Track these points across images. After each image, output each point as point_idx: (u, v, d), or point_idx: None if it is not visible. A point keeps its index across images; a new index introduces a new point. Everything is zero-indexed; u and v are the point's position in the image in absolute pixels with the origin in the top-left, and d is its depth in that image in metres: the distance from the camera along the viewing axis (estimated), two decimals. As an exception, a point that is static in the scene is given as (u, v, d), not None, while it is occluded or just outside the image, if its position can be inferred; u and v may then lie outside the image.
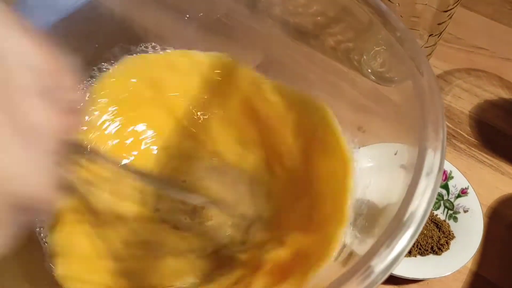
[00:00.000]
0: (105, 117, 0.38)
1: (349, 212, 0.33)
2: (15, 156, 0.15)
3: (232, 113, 0.40)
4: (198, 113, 0.41)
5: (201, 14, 0.43)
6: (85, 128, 0.37)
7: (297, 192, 0.36)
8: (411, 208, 0.23)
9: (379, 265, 0.21)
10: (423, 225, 0.23)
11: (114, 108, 0.39)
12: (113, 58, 0.40)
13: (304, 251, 0.32)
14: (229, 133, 0.40)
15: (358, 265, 0.21)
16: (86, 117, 0.37)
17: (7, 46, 0.15)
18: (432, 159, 0.24)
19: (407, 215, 0.22)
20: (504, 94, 0.50)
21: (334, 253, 0.30)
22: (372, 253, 0.21)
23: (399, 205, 0.23)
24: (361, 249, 0.29)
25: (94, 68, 0.39)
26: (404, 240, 0.22)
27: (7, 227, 0.16)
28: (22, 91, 0.15)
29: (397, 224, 0.22)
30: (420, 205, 0.23)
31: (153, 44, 0.41)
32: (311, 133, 0.37)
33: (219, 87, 0.41)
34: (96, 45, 0.39)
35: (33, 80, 0.16)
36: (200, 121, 0.41)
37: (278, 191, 0.38)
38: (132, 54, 0.40)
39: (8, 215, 0.15)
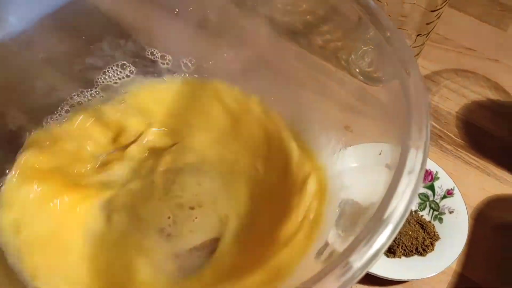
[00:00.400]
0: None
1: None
2: None
3: (214, 120, 0.40)
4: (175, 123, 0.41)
5: (191, 8, 0.42)
6: None
7: (272, 197, 0.36)
8: (391, 206, 0.23)
9: (358, 261, 0.21)
10: (402, 223, 0.23)
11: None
12: (101, 53, 0.39)
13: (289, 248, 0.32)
14: (209, 136, 0.40)
15: (336, 261, 0.21)
16: None
17: None
18: (414, 158, 0.25)
19: (387, 213, 0.22)
20: (491, 95, 0.50)
21: (311, 251, 0.30)
22: (350, 249, 0.21)
23: (379, 203, 0.24)
24: (342, 247, 0.29)
25: (81, 62, 0.39)
26: (383, 237, 0.22)
27: None
28: None
29: (377, 222, 0.22)
30: (400, 203, 0.23)
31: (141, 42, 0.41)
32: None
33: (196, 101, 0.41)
34: (83, 38, 0.39)
35: None
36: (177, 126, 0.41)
37: (255, 194, 0.37)
38: (120, 49, 0.40)
39: None
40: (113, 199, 0.36)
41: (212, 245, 0.35)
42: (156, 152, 0.39)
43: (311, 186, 0.35)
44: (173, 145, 0.40)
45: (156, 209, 0.36)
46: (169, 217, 0.36)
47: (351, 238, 0.27)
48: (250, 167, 0.38)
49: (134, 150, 0.39)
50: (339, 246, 0.30)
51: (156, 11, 0.42)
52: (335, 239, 0.31)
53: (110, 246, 0.34)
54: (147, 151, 0.39)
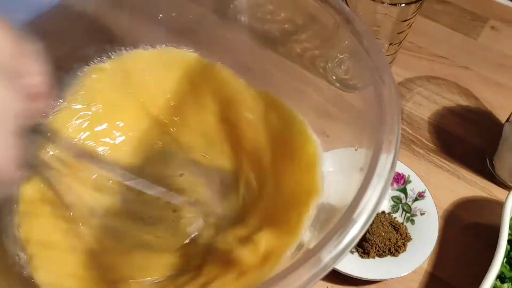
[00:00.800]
0: (78, 109, 0.39)
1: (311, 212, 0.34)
2: None
3: (207, 114, 0.41)
4: (174, 113, 0.42)
5: (174, 14, 0.43)
6: (50, 115, 0.37)
7: (265, 193, 0.38)
8: (361, 205, 0.24)
9: (327, 255, 0.22)
10: (371, 221, 0.24)
11: (89, 104, 0.39)
12: (87, 58, 0.40)
13: (269, 249, 0.33)
14: (202, 134, 0.41)
15: (308, 254, 0.23)
16: (54, 104, 0.37)
17: None
18: (384, 161, 0.26)
19: (356, 212, 0.24)
20: (462, 101, 0.52)
21: (292, 248, 0.32)
22: (321, 245, 0.23)
23: (350, 202, 0.25)
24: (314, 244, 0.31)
25: (68, 66, 0.40)
26: (352, 234, 0.23)
27: None
28: None
29: (346, 220, 0.24)
30: (369, 203, 0.24)
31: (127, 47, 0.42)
32: (281, 138, 0.38)
33: (195, 87, 0.42)
34: (70, 43, 0.39)
35: None
36: (175, 119, 0.42)
37: (248, 191, 0.39)
38: (107, 53, 0.41)
39: None
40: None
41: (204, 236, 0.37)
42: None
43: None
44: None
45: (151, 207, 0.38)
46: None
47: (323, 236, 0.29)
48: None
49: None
50: (312, 244, 0.32)
51: (140, 17, 0.43)
52: (309, 239, 0.33)
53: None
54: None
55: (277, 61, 0.44)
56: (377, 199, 0.25)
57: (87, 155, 0.36)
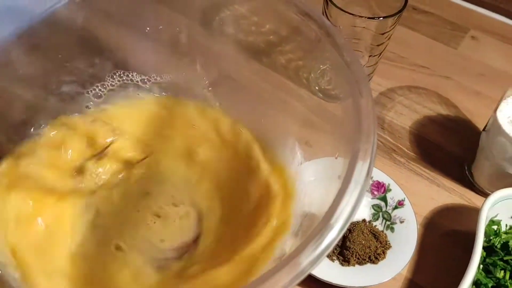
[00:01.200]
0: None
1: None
2: None
3: (176, 149, 0.42)
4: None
5: (161, 27, 0.44)
6: None
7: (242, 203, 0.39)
8: (337, 212, 0.25)
9: (305, 260, 0.23)
10: (346, 226, 0.25)
11: None
12: (77, 71, 0.41)
13: (247, 262, 0.34)
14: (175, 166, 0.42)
15: (286, 259, 0.24)
16: None
17: None
18: (360, 169, 0.27)
19: (333, 218, 0.25)
20: (442, 110, 0.54)
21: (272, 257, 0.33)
22: (299, 249, 0.24)
23: (327, 208, 0.26)
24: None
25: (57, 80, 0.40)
26: (329, 238, 0.24)
27: None
28: None
29: (324, 225, 0.25)
30: (345, 209, 0.25)
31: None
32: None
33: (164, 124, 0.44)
34: (60, 56, 0.40)
35: None
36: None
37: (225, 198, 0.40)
38: (95, 67, 0.42)
39: None
40: (91, 204, 0.39)
41: (188, 246, 0.38)
42: (128, 164, 0.41)
43: (278, 196, 0.37)
44: (144, 158, 0.42)
45: (133, 217, 0.39)
46: (148, 223, 0.38)
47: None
48: (219, 176, 0.41)
49: (106, 162, 0.41)
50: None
51: (128, 30, 0.44)
52: (291, 247, 0.34)
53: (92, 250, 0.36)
54: (120, 163, 0.41)
55: (261, 72, 0.45)
56: (353, 205, 0.26)
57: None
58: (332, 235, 0.25)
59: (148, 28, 0.44)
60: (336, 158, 0.38)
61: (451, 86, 0.56)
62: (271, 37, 0.45)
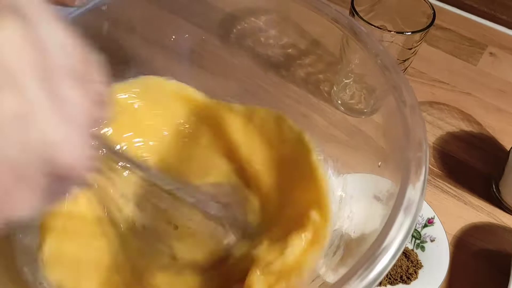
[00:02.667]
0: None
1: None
2: (54, 124, 0.15)
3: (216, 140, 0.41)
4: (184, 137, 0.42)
5: (173, 37, 0.43)
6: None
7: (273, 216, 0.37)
8: (387, 241, 0.23)
9: None
10: (396, 259, 0.23)
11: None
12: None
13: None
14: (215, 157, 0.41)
15: (336, 285, 0.22)
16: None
17: (44, 31, 0.16)
18: (412, 194, 0.25)
19: (381, 248, 0.23)
20: (465, 126, 0.53)
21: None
22: (342, 282, 0.22)
23: (375, 238, 0.24)
24: (333, 279, 0.29)
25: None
26: (375, 271, 0.22)
27: (41, 194, 0.16)
28: (59, 70, 0.16)
29: (371, 256, 0.23)
30: (396, 239, 0.23)
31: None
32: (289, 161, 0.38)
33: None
34: None
35: (68, 64, 0.16)
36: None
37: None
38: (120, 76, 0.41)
39: (44, 181, 0.15)
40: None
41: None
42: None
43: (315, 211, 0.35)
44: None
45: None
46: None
47: (341, 269, 0.27)
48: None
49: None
50: (329, 277, 0.31)
51: (146, 41, 0.43)
52: (325, 270, 0.32)
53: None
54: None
55: (281, 85, 0.44)
56: (404, 234, 0.23)
57: (132, 161, 0.34)
58: (379, 268, 0.22)
59: (171, 39, 0.43)
60: (366, 174, 0.37)
61: (472, 102, 0.55)
62: (290, 50, 0.44)
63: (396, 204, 0.24)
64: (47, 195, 0.16)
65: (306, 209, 0.34)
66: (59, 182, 0.16)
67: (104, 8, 0.39)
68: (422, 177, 0.25)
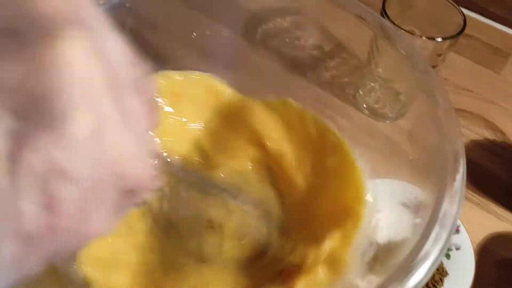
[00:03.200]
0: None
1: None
2: (125, 138, 0.15)
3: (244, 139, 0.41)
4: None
5: (195, 35, 0.43)
6: None
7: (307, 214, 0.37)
8: (421, 254, 0.23)
9: None
10: (431, 273, 0.23)
11: None
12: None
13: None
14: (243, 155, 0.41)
15: None
16: None
17: (107, 42, 0.16)
18: (448, 207, 0.24)
19: (415, 261, 0.22)
20: (488, 135, 0.52)
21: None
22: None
23: (410, 250, 0.23)
24: (362, 285, 0.29)
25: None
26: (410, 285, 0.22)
27: (115, 211, 0.15)
28: (123, 82, 0.16)
29: (405, 270, 0.22)
30: (431, 253, 0.23)
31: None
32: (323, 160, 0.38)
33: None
34: None
35: (129, 75, 0.16)
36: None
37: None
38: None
39: (118, 198, 0.15)
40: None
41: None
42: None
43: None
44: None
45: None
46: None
47: (371, 278, 0.27)
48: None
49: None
50: (362, 284, 0.30)
51: (170, 38, 0.43)
52: (355, 276, 0.32)
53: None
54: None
55: (305, 87, 0.44)
56: (440, 249, 0.23)
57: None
58: (414, 282, 0.22)
59: (192, 35, 0.43)
60: (393, 181, 0.36)
61: (496, 111, 0.55)
62: (315, 52, 0.44)
63: (432, 216, 0.24)
64: (118, 211, 0.16)
65: (339, 209, 0.34)
66: (129, 196, 0.16)
67: (128, 5, 0.39)
68: (459, 189, 0.25)
